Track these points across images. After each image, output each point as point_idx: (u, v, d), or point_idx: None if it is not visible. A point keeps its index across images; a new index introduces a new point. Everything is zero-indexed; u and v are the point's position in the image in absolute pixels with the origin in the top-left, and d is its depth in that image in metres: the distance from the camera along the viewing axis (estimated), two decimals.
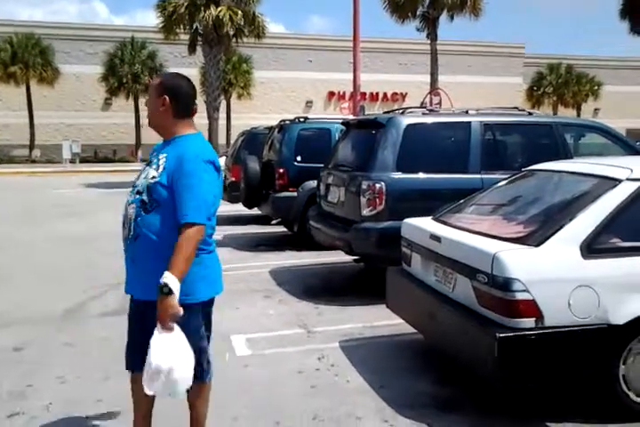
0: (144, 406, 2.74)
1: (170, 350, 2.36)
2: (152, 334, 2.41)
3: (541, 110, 33.12)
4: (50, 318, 5.13)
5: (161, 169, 2.51)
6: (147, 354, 2.40)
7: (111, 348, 4.32)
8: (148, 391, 2.42)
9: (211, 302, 2.70)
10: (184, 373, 2.39)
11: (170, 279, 2.33)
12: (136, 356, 2.58)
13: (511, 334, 2.96)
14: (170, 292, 2.32)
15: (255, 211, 9.67)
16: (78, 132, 32.78)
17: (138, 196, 2.54)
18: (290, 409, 3.39)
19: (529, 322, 2.99)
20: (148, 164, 2.63)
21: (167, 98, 2.56)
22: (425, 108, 6.36)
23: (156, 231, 2.48)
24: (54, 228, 10.24)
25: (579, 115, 37.05)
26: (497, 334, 2.94)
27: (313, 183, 7.49)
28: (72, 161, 29.17)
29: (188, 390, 2.51)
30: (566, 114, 32.94)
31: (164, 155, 2.56)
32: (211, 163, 2.52)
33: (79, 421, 3.25)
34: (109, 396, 3.52)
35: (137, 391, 2.65)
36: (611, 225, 3.20)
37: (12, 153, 31.94)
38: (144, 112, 2.60)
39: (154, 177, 2.51)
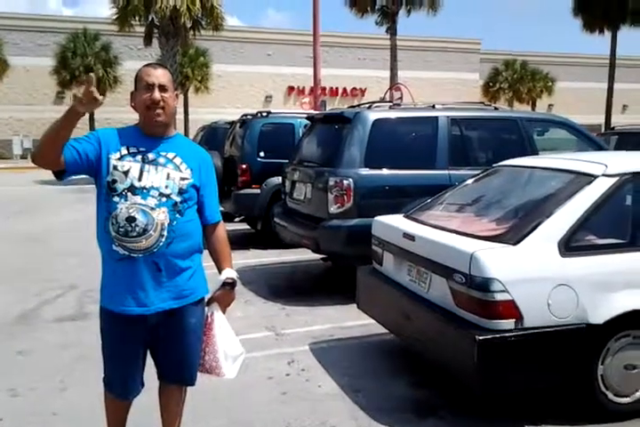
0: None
1: (233, 337, 2.56)
2: (169, 345, 2.45)
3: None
4: (0, 324, 4.82)
5: (186, 169, 2.37)
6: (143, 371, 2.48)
7: (67, 356, 4.09)
8: (233, 375, 2.55)
9: None
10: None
11: (234, 273, 2.52)
12: (137, 381, 2.47)
13: (490, 337, 2.86)
14: (235, 284, 2.51)
15: None
16: (30, 126, 31.58)
17: (166, 199, 2.29)
18: (260, 418, 3.22)
19: (508, 323, 2.91)
20: (150, 161, 2.32)
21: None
22: (392, 102, 6.24)
23: (191, 232, 2.42)
24: (4, 226, 9.77)
25: (533, 110, 37.73)
26: (477, 337, 2.84)
27: (277, 179, 7.32)
28: (23, 157, 28.13)
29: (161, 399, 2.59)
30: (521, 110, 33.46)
31: (174, 153, 2.37)
32: None
33: None
34: (66, 408, 3.29)
35: (119, 411, 2.55)
36: (588, 222, 3.15)
37: None
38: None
39: (184, 178, 2.35)
